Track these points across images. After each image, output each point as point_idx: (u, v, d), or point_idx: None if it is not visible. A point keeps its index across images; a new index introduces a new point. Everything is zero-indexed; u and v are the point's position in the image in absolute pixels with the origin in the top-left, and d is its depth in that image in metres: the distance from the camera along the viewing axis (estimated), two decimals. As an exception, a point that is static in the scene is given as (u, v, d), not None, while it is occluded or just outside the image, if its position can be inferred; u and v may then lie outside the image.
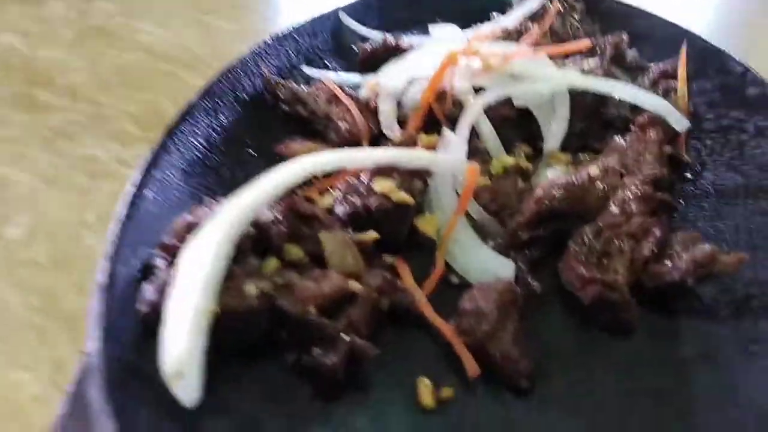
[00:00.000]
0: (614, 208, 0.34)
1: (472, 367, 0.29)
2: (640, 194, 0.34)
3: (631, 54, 0.55)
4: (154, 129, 0.58)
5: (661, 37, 0.59)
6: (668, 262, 0.32)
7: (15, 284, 0.41)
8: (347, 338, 0.27)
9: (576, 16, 0.59)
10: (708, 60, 0.57)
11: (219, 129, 0.44)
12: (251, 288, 0.27)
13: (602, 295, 0.32)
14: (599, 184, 0.36)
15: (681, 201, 0.43)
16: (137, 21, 0.77)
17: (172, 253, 0.29)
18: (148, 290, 0.27)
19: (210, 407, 0.25)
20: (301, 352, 0.29)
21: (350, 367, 0.29)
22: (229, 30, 0.75)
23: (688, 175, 0.45)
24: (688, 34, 0.59)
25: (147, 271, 0.31)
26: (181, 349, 0.23)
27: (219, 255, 0.26)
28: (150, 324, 0.27)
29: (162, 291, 0.26)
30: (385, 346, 0.31)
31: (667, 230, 0.33)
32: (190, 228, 0.28)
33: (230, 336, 0.27)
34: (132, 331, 0.28)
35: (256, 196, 0.31)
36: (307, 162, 0.35)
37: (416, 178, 0.39)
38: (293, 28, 0.58)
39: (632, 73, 0.52)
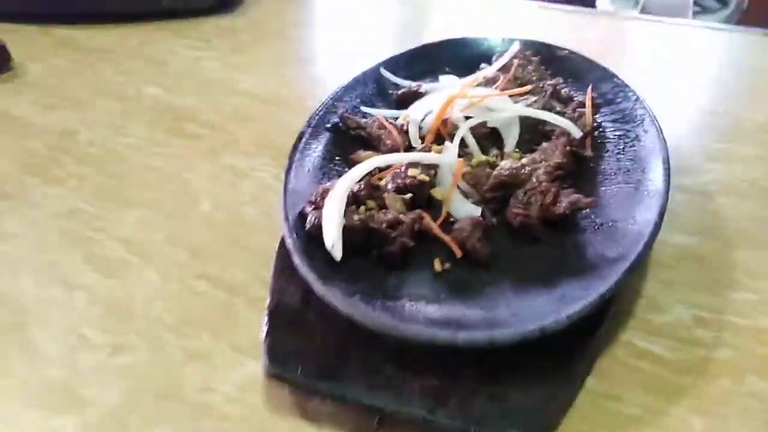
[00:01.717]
0: (533, 180, 0.65)
1: (458, 252, 0.53)
2: (546, 171, 0.65)
3: (565, 90, 0.85)
4: (266, 148, 0.85)
5: (590, 75, 0.88)
6: (558, 205, 0.63)
7: (215, 233, 0.65)
8: (400, 239, 0.58)
9: (531, 67, 0.89)
10: (617, 91, 0.87)
11: (320, 147, 0.73)
12: (356, 217, 0.58)
13: (524, 222, 0.59)
14: (527, 168, 0.67)
15: (584, 179, 0.70)
16: (235, 73, 1.08)
17: (315, 204, 0.61)
18: (311, 218, 0.57)
19: (342, 270, 0.57)
20: (379, 248, 0.59)
21: (403, 257, 0.54)
22: (294, 77, 1.04)
23: (591, 164, 0.74)
24: (606, 73, 0.88)
25: (303, 214, 0.58)
26: (332, 236, 0.54)
27: (342, 201, 0.58)
28: (312, 234, 0.54)
29: (317, 219, 0.58)
30: (419, 248, 0.55)
31: (558, 190, 0.63)
32: (325, 192, 0.60)
33: (347, 241, 0.58)
34: (303, 237, 0.57)
35: (353, 175, 0.62)
36: (373, 161, 0.67)
37: (430, 168, 0.71)
38: (353, 80, 0.89)
39: (565, 103, 0.82)
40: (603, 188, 0.66)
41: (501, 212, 0.60)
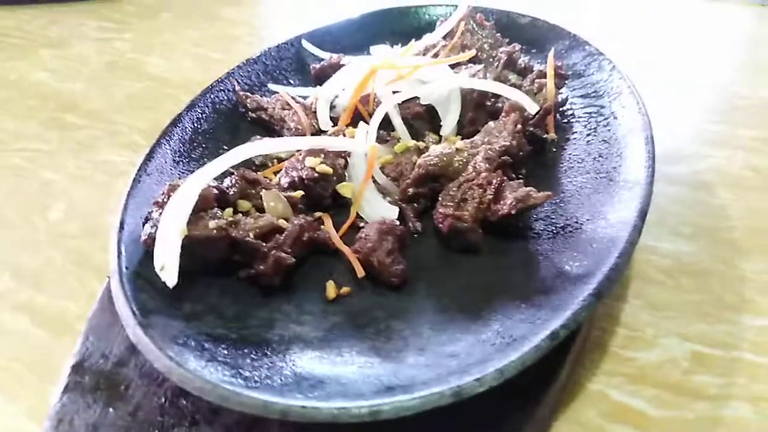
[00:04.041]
0: (470, 168, 0.48)
1: (359, 270, 0.42)
2: (486, 157, 0.48)
3: (522, 60, 0.69)
4: (157, 139, 0.74)
5: (557, 44, 0.72)
6: (502, 202, 0.46)
7: (58, 248, 0.54)
8: (273, 253, 0.41)
9: (482, 33, 0.73)
10: (589, 61, 0.70)
11: (201, 132, 0.58)
12: (212, 224, 0.41)
13: (454, 225, 0.44)
14: (462, 153, 0.50)
15: (544, 168, 0.53)
16: (146, 56, 0.93)
17: (161, 206, 0.44)
18: (147, 227, 0.42)
19: (188, 299, 0.40)
20: (248, 267, 0.42)
21: (283, 277, 0.42)
22: (218, 59, 0.90)
23: (554, 150, 0.56)
24: (576, 41, 0.72)
25: (147, 220, 0.45)
26: (164, 252, 0.37)
27: (186, 203, 0.40)
28: (148, 247, 0.41)
29: (155, 227, 0.41)
30: (310, 265, 0.44)
31: (502, 181, 0.46)
32: (173, 189, 0.43)
33: (201, 258, 0.41)
34: (136, 252, 0.41)
35: (213, 167, 0.45)
36: (247, 148, 0.49)
37: (339, 157, 0.54)
38: (262, 53, 0.73)
39: (523, 74, 0.66)
40: (567, 180, 0.50)
41: (429, 214, 0.42)
